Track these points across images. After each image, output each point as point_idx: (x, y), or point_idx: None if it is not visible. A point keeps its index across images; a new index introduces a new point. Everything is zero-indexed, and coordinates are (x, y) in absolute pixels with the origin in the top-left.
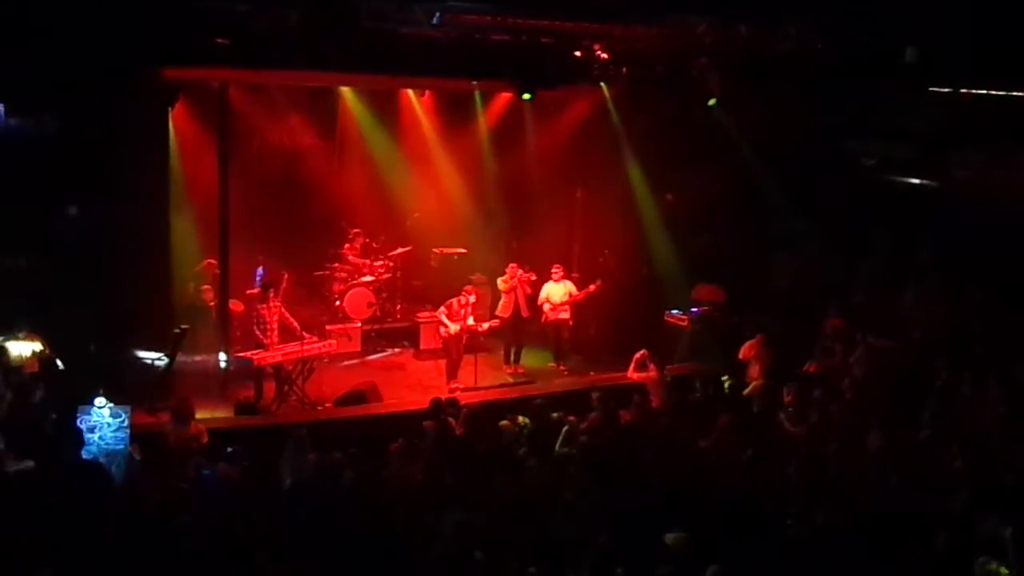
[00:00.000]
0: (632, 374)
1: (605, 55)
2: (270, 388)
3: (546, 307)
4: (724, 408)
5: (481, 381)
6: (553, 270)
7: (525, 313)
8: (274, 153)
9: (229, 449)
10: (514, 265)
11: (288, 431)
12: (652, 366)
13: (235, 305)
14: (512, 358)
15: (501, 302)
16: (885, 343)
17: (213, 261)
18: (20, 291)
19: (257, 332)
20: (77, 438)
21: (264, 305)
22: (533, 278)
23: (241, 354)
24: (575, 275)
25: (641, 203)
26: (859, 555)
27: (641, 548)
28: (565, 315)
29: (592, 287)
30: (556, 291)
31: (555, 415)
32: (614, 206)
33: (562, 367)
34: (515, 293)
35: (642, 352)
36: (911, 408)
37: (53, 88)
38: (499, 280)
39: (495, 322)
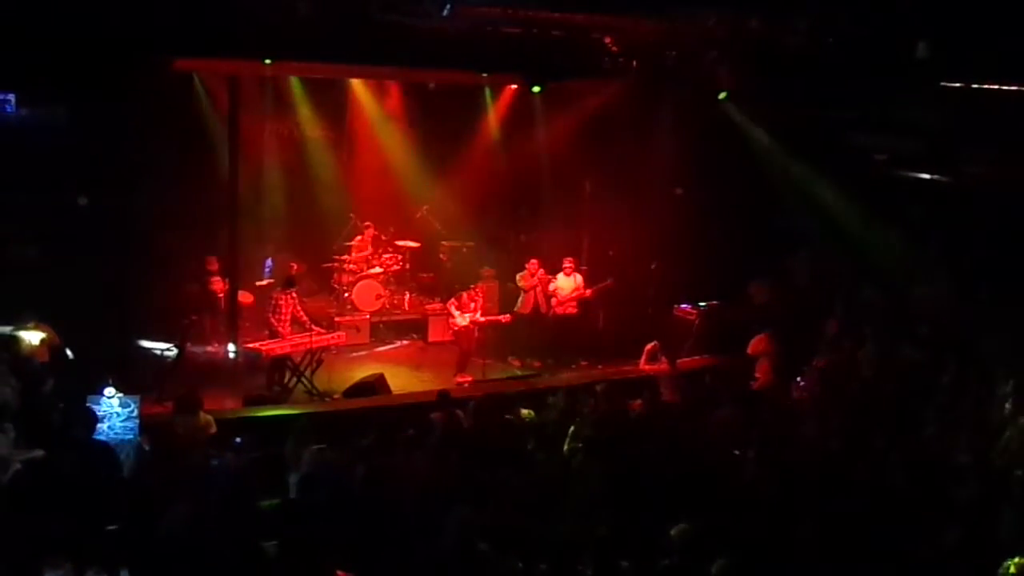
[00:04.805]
0: (644, 366)
1: (615, 48)
2: (279, 379)
3: (553, 300)
4: (731, 401)
5: (489, 374)
6: (565, 264)
7: (544, 309)
8: (284, 144)
9: (237, 440)
10: (535, 261)
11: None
12: (663, 359)
13: (244, 297)
14: (527, 353)
15: (521, 298)
16: (894, 339)
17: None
18: (31, 281)
19: (271, 319)
20: (89, 419)
21: (283, 294)
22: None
23: (250, 345)
24: (584, 268)
25: (650, 196)
26: (866, 550)
27: (647, 541)
28: (572, 309)
29: (602, 285)
30: (566, 285)
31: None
32: (623, 199)
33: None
34: (535, 291)
35: (653, 344)
36: (919, 403)
37: (64, 78)
38: (518, 276)
39: (505, 317)
